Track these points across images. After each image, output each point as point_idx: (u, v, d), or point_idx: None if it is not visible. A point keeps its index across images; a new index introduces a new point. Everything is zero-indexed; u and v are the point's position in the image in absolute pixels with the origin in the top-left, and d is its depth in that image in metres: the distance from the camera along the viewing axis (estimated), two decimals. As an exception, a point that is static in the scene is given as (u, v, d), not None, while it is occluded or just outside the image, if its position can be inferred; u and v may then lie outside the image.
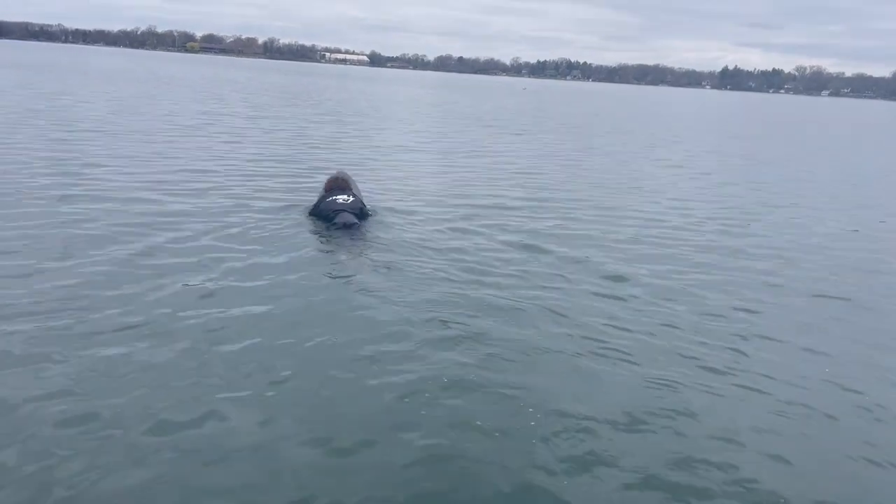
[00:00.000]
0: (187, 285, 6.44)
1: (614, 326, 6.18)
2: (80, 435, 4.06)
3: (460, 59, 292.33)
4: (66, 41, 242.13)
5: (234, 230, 8.43)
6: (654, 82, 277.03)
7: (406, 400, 4.68)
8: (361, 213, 9.15)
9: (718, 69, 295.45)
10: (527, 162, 17.30)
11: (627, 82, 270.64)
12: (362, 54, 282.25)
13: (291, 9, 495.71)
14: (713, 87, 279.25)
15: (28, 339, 5.19)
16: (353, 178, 10.13)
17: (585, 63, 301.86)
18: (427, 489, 3.83)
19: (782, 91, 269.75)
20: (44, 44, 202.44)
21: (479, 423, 4.44)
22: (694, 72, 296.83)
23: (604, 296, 7.02)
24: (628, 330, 6.13)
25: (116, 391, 4.55)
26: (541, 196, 12.40)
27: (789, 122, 55.60)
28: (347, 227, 8.68)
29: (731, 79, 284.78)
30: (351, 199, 9.19)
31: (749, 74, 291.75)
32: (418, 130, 24.65)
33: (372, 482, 3.84)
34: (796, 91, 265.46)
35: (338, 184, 9.55)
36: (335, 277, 7.04)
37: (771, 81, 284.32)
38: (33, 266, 6.68)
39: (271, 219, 9.10)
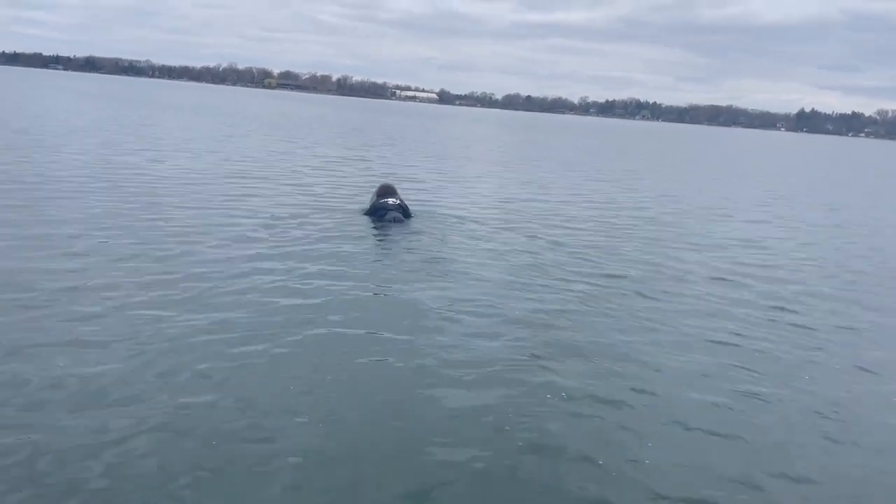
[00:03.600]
0: (275, 263, 8.36)
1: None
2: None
3: (528, 97, 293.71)
4: (152, 76, 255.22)
5: (318, 225, 11.04)
6: (727, 123, 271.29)
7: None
8: (406, 212, 11.81)
9: (793, 111, 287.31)
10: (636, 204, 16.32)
11: (699, 123, 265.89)
12: (432, 92, 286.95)
13: (364, 48, 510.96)
14: (788, 129, 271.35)
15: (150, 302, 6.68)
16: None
17: (655, 103, 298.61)
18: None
19: (862, 135, 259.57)
20: (133, 78, 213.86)
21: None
22: (768, 113, 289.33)
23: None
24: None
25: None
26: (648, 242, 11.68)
27: None
28: (396, 222, 11.41)
29: (807, 121, 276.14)
30: (398, 201, 11.87)
31: (827, 117, 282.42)
32: (519, 182, 23.93)
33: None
34: (877, 135, 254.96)
35: (387, 190, 12.25)
36: (385, 261, 9.12)
37: (850, 125, 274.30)
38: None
39: (339, 217, 11.85)
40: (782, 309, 8.28)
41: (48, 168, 14.67)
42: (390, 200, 11.81)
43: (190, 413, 4.52)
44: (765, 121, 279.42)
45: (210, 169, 17.18)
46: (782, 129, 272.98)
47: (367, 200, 12.68)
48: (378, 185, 12.90)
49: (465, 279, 8.31)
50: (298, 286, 7.45)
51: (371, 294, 7.48)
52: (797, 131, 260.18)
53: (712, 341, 6.88)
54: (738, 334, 7.14)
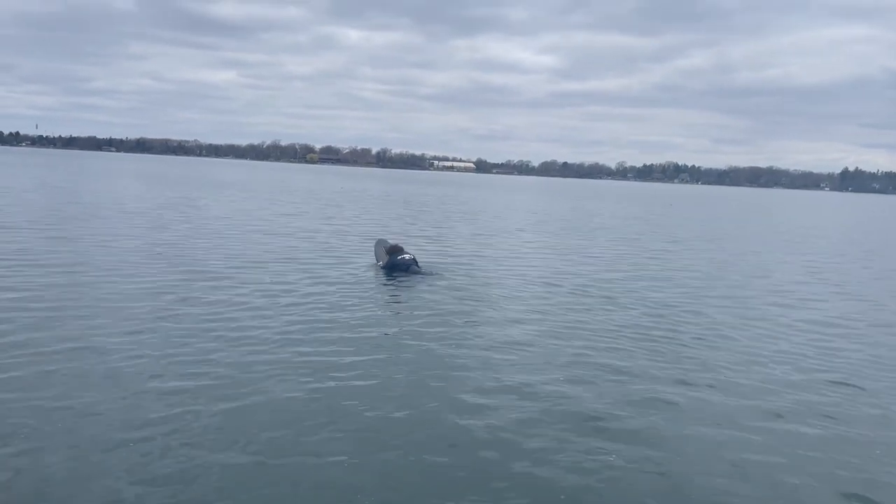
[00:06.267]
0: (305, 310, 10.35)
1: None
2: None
3: (564, 164, 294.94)
4: (200, 154, 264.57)
5: (341, 277, 13.55)
6: (768, 185, 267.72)
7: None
8: (416, 265, 14.03)
9: (836, 170, 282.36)
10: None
11: (738, 185, 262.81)
12: (469, 161, 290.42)
13: (403, 121, 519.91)
14: (833, 188, 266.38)
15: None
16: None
17: (694, 166, 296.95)
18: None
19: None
20: (182, 158, 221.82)
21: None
22: (811, 173, 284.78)
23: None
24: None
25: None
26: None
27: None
28: (411, 272, 13.76)
29: (851, 180, 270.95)
30: (409, 256, 14.13)
31: (872, 176, 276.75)
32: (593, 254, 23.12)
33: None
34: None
35: (396, 248, 14.49)
36: (403, 307, 11.14)
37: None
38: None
39: (360, 269, 14.45)
40: None
41: (94, 249, 14.44)
42: (406, 256, 14.07)
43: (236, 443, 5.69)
44: (807, 181, 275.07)
45: (260, 241, 18.07)
46: (826, 188, 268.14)
47: (379, 257, 14.88)
48: (376, 240, 15.60)
49: (474, 326, 9.91)
50: (328, 333, 9.09)
51: (391, 334, 9.20)
52: (842, 191, 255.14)
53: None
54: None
